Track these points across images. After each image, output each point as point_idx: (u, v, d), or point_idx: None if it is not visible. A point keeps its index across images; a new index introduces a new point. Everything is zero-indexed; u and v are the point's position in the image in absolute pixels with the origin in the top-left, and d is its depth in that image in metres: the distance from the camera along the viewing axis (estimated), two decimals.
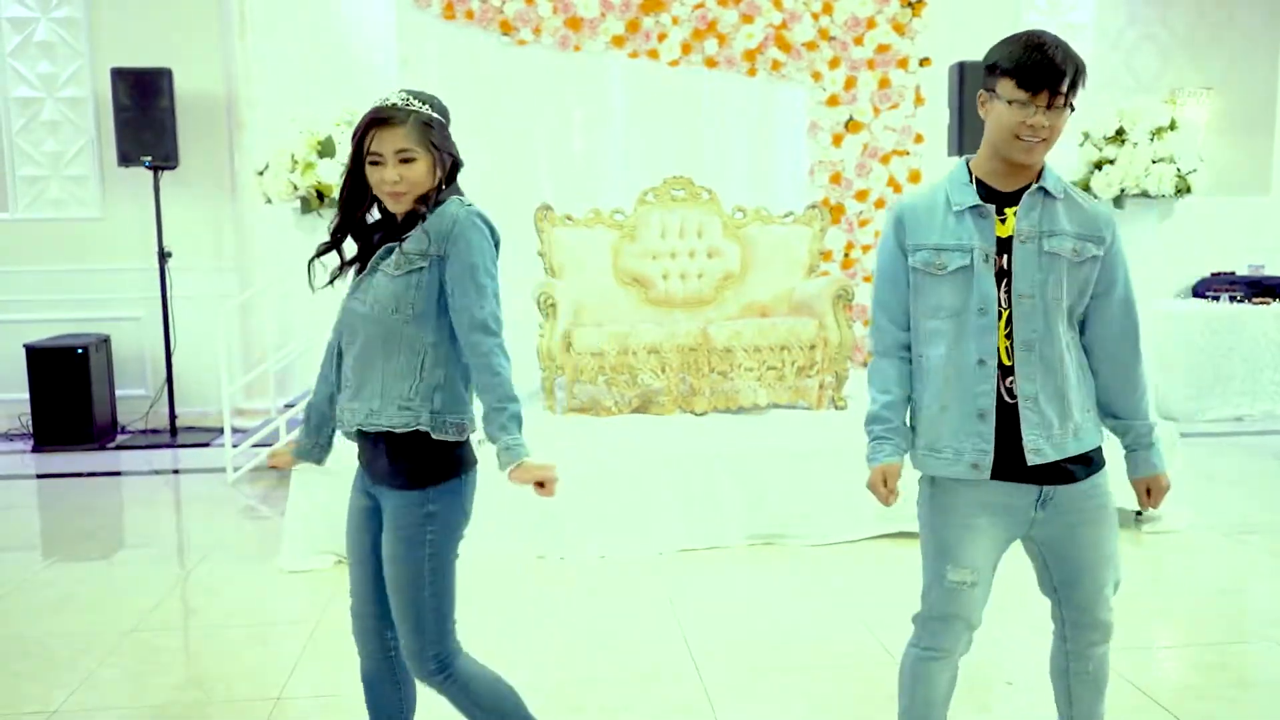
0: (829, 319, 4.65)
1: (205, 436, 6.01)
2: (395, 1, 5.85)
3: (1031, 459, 1.90)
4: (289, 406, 5.46)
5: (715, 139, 6.13)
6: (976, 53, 6.39)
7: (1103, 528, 2.00)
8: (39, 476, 5.46)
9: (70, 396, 5.86)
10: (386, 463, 1.93)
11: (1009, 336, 1.91)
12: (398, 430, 1.90)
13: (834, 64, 6.01)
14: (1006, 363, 1.92)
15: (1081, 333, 1.99)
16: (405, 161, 1.88)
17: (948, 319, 1.94)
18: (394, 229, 1.97)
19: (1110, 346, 1.98)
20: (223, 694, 2.89)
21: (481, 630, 3.12)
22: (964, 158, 2.01)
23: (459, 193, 1.99)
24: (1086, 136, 4.37)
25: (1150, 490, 2.05)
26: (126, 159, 5.82)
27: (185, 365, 6.16)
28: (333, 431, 2.10)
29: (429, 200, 1.92)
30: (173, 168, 5.91)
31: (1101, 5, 6.73)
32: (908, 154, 6.10)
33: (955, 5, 6.15)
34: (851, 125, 6.06)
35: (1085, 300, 1.95)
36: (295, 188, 3.66)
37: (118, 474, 5.49)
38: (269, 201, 3.85)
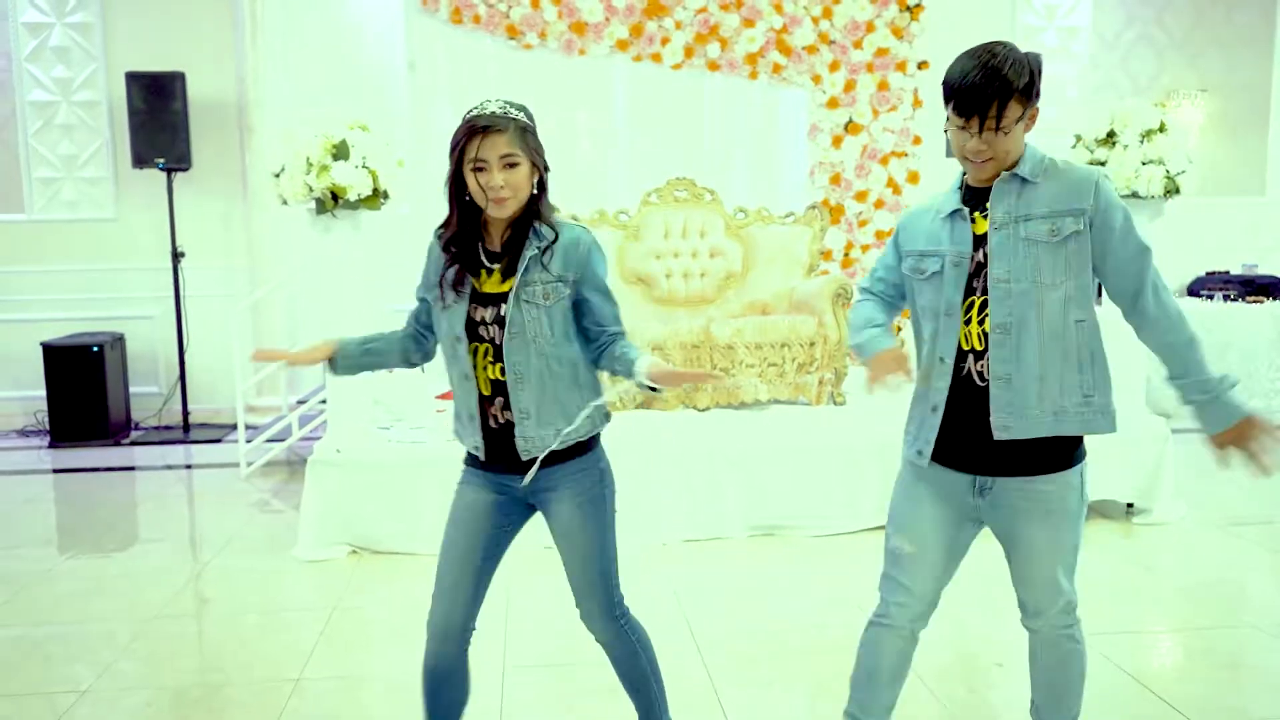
0: (828, 317, 4.75)
1: (217, 433, 6.12)
2: (404, 6, 5.96)
3: (999, 434, 1.96)
4: (300, 403, 5.58)
5: (717, 141, 6.24)
6: None
7: (1050, 527, 2.00)
8: (55, 471, 5.57)
9: (85, 393, 5.98)
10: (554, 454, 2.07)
11: (982, 323, 1.97)
12: (585, 438, 2.09)
13: (834, 67, 6.12)
14: (979, 348, 1.98)
15: (1125, 309, 1.99)
16: (510, 166, 1.96)
17: (929, 321, 2.05)
18: (472, 237, 2.05)
19: (1135, 310, 1.98)
20: (244, 676, 3.00)
21: (492, 617, 3.24)
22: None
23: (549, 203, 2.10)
24: (1079, 139, 4.48)
25: (1242, 435, 1.88)
26: (140, 161, 5.93)
27: (198, 363, 6.27)
28: (371, 369, 2.29)
29: (536, 208, 2.03)
30: (185, 169, 6.02)
31: (1098, 8, 6.82)
32: (906, 155, 6.21)
33: (953, 9, 6.24)
34: (851, 127, 6.16)
35: (1089, 275, 1.94)
36: (311, 189, 3.77)
37: (132, 469, 5.60)
38: (285, 203, 3.96)
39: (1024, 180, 1.96)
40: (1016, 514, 2.01)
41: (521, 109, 2.03)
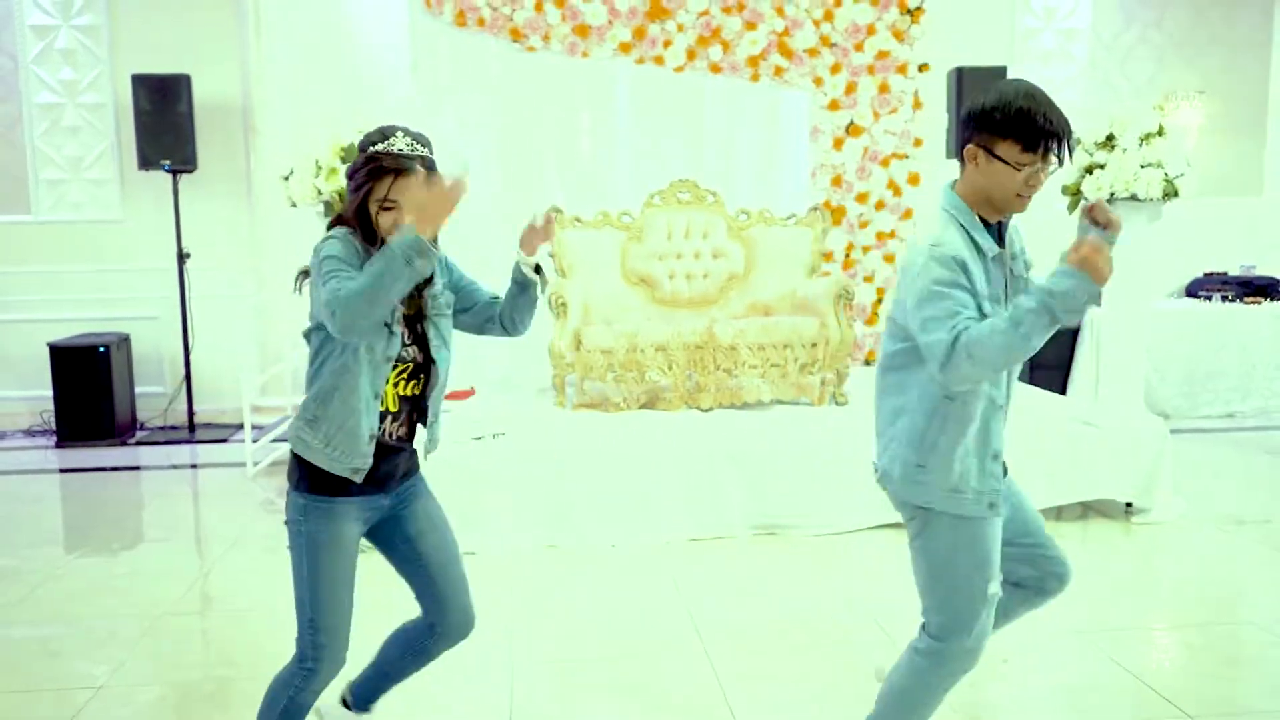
0: (830, 318, 4.80)
1: (222, 433, 6.16)
2: (408, 9, 5.99)
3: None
4: None
5: (720, 143, 6.28)
6: (973, 59, 6.58)
7: None
8: (62, 471, 5.61)
9: (92, 394, 6.01)
10: (408, 457, 2.19)
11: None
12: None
13: (835, 70, 6.16)
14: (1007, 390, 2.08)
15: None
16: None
17: None
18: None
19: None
20: (254, 672, 3.03)
21: (497, 615, 3.28)
22: (952, 188, 2.04)
23: None
24: (1079, 142, 4.52)
25: (1080, 249, 1.82)
26: (146, 162, 5.96)
27: (203, 363, 6.31)
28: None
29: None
30: (191, 171, 6.06)
31: (1098, 10, 6.85)
32: (907, 157, 6.25)
33: (953, 12, 6.28)
34: (852, 129, 6.20)
35: None
36: (319, 192, 3.81)
37: (138, 469, 5.64)
38: (294, 205, 4.00)
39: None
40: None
41: (427, 143, 2.06)
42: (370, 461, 2.04)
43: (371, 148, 2.00)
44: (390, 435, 2.12)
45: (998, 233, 2.05)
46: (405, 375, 2.11)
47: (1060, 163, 1.95)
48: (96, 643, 3.26)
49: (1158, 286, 6.72)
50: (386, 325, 2.04)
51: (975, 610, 2.06)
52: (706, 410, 4.69)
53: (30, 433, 6.32)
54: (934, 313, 1.91)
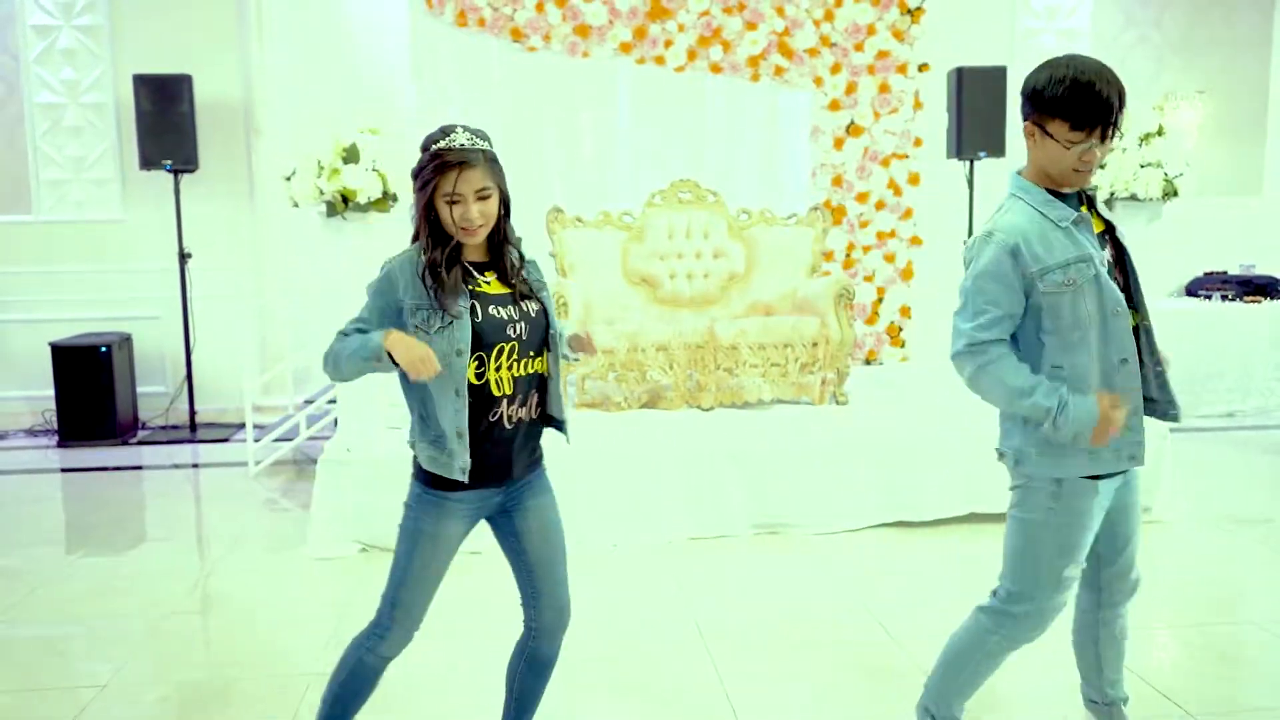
0: (831, 317, 4.81)
1: (224, 432, 6.17)
2: (409, 9, 6.00)
3: (1177, 417, 2.21)
4: (308, 403, 5.63)
5: (720, 143, 6.29)
6: (974, 59, 6.59)
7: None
8: (63, 471, 5.62)
9: (93, 393, 6.02)
10: (531, 447, 2.18)
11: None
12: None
13: (835, 70, 6.17)
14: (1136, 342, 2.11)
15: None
16: (483, 199, 2.03)
17: (1089, 328, 2.04)
18: (456, 256, 2.08)
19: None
20: (259, 672, 3.05)
21: (501, 616, 3.29)
22: (1016, 173, 2.13)
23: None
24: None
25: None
26: (147, 162, 5.96)
27: (204, 363, 6.31)
28: None
29: (503, 228, 2.11)
30: (192, 171, 6.06)
31: (1097, 10, 6.86)
32: (907, 157, 6.26)
33: (953, 12, 6.29)
34: (852, 129, 6.22)
35: None
36: (322, 192, 3.83)
37: (139, 468, 5.64)
38: (296, 205, 4.02)
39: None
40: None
41: (486, 137, 2.09)
42: (469, 461, 2.04)
43: (434, 145, 2.04)
44: (509, 419, 2.08)
45: (1078, 201, 2.10)
46: (514, 355, 2.07)
47: (1113, 134, 2.00)
48: (99, 643, 3.27)
49: (1158, 286, 6.74)
50: (428, 320, 2.04)
51: (1051, 586, 2.15)
52: (707, 410, 4.70)
53: (32, 432, 6.33)
54: (969, 300, 2.07)
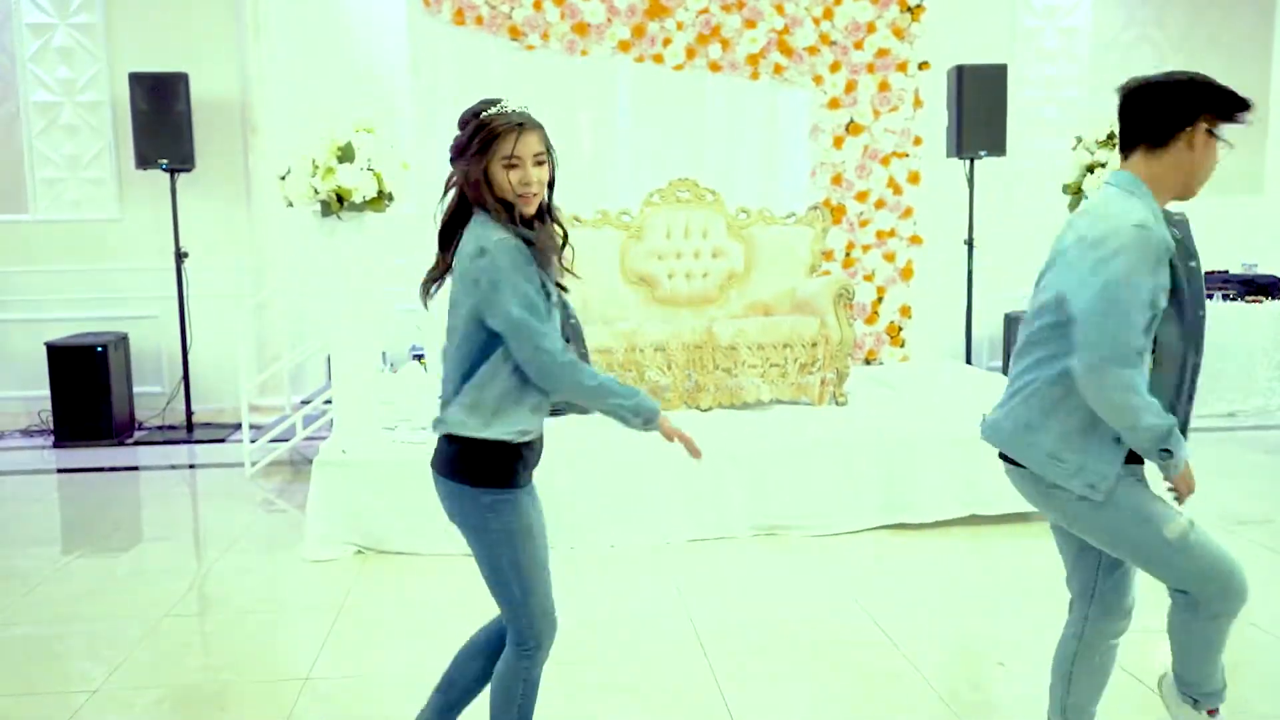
0: (830, 317, 4.78)
1: (221, 432, 6.15)
2: (406, 7, 5.98)
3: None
4: (304, 403, 5.60)
5: (719, 141, 6.27)
6: (974, 57, 6.55)
7: None
8: (60, 471, 5.59)
9: (89, 393, 5.99)
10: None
11: None
12: None
13: (835, 68, 6.14)
14: None
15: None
16: (540, 164, 1.98)
17: (1188, 342, 2.05)
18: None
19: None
20: (253, 675, 3.03)
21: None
22: (1135, 179, 2.06)
23: None
24: (1079, 140, 4.50)
25: None
26: (144, 161, 5.94)
27: (201, 363, 6.29)
28: None
29: (549, 204, 2.06)
30: (189, 170, 6.04)
31: (1098, 9, 6.84)
32: (907, 156, 6.23)
33: (953, 10, 6.26)
34: (852, 128, 6.19)
35: None
36: (316, 192, 3.80)
37: (136, 469, 5.62)
38: (290, 205, 3.99)
39: None
40: None
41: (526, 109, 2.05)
42: (538, 452, 2.09)
43: (484, 113, 1.98)
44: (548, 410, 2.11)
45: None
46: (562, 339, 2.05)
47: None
48: (95, 645, 3.25)
49: None
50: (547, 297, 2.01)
51: (1183, 546, 2.15)
52: (706, 410, 4.68)
53: (28, 433, 6.30)
54: (1115, 307, 1.91)
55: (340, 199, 3.86)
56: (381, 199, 3.95)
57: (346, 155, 3.78)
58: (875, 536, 4.15)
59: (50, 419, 6.11)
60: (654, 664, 3.06)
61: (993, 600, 3.46)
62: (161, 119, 5.90)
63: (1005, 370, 6.07)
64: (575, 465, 4.07)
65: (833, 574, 3.79)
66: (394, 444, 4.11)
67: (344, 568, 3.89)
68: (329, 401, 5.06)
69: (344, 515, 3.98)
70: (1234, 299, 6.46)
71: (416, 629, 3.24)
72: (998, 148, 5.92)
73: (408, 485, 3.93)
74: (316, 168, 3.79)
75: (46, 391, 6.05)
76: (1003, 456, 2.20)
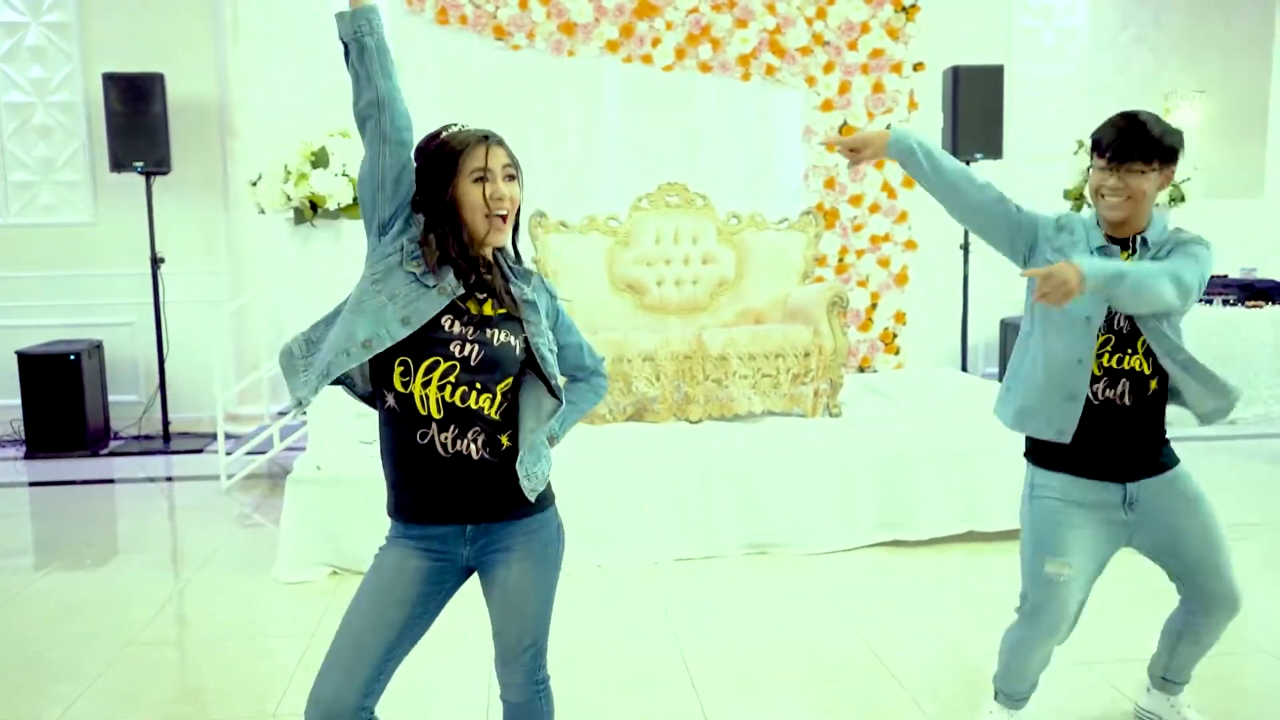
0: (824, 326, 4.65)
1: (198, 443, 5.99)
2: (388, 6, 5.83)
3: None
4: (282, 414, 5.45)
5: (710, 144, 6.15)
6: (970, 57, 6.44)
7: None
8: (31, 484, 5.44)
9: (63, 403, 5.83)
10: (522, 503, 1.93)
11: None
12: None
13: (828, 69, 6.02)
14: None
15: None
16: (510, 179, 1.86)
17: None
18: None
19: None
20: (218, 710, 2.88)
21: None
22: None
23: None
24: (1080, 144, 4.38)
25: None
26: (119, 164, 5.79)
27: (178, 371, 6.14)
28: None
29: (514, 243, 1.92)
30: (165, 173, 5.89)
31: (1095, 9, 6.74)
32: None
33: (948, 10, 6.16)
34: (846, 130, 6.06)
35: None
36: (289, 198, 3.65)
37: (110, 481, 5.47)
38: (262, 212, 3.84)
39: None
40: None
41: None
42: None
43: (445, 133, 1.88)
44: (442, 448, 1.80)
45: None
46: (448, 377, 1.78)
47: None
48: (55, 675, 3.08)
49: None
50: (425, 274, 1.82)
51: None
52: (695, 422, 4.54)
53: None
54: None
55: (314, 206, 3.71)
56: (357, 205, 3.80)
57: (320, 160, 3.63)
58: (870, 555, 4.02)
59: (22, 429, 5.95)
60: (640, 690, 2.92)
61: (993, 624, 3.32)
62: (137, 121, 5.75)
63: (1001, 378, 5.96)
64: (559, 480, 3.92)
65: (826, 595, 3.65)
66: (370, 459, 3.96)
67: (318, 590, 3.74)
68: (305, 413, 4.92)
69: (319, 535, 3.83)
70: (1233, 304, 6.35)
71: None
72: (994, 150, 5.80)
73: (384, 503, 3.78)
74: (289, 173, 3.64)
75: (18, 401, 5.89)
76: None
